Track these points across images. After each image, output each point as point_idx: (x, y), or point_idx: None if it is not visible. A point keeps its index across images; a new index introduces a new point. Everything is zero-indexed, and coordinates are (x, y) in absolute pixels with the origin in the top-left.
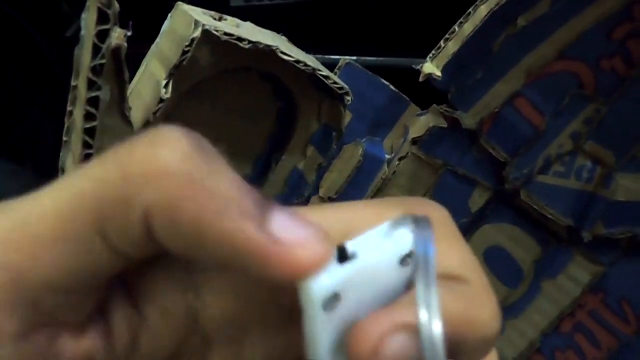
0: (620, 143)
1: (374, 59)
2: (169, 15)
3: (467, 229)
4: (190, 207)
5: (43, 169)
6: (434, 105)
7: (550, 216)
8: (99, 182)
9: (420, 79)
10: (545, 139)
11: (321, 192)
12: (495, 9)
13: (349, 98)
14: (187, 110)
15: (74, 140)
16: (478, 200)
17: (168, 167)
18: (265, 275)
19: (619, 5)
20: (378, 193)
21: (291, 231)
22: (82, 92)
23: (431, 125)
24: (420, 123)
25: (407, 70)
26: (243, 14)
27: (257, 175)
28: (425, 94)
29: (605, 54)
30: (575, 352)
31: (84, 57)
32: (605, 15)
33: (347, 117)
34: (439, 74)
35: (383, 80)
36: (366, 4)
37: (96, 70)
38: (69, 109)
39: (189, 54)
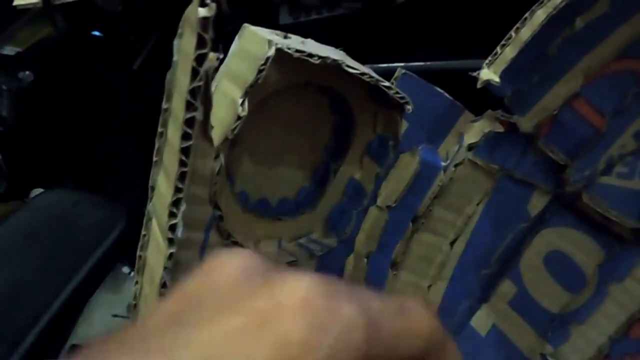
0: None
1: (421, 63)
2: (237, 36)
3: (526, 234)
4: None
5: (122, 191)
6: (489, 110)
7: (614, 218)
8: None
9: (478, 86)
10: (606, 139)
11: (379, 201)
12: (554, 12)
13: (409, 107)
14: (253, 126)
15: (167, 159)
16: (537, 203)
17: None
18: None
19: None
20: (435, 200)
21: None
22: (179, 113)
23: (486, 130)
24: (474, 129)
25: (453, 73)
26: (291, 30)
27: (316, 186)
28: (474, 96)
29: None
30: None
31: (180, 79)
32: None
33: (403, 125)
34: (497, 79)
35: (438, 88)
36: (408, 13)
37: (194, 92)
38: (159, 130)
39: (264, 72)
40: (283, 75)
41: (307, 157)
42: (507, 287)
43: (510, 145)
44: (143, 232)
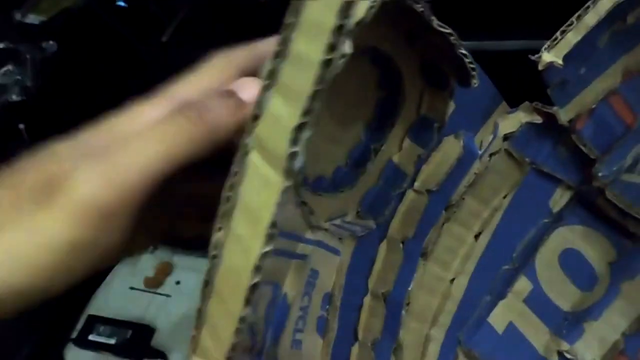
0: None
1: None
2: None
3: (546, 231)
4: None
5: None
6: (526, 102)
7: (636, 215)
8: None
9: (540, 68)
10: (635, 137)
11: (417, 185)
12: (621, 1)
13: (475, 82)
14: None
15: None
16: (559, 200)
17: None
18: None
19: None
20: (469, 189)
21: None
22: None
23: (524, 121)
24: (511, 119)
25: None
26: None
27: (352, 165)
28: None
29: None
30: None
31: None
32: None
33: (450, 107)
34: (560, 62)
35: (486, 76)
36: None
37: None
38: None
39: (373, 10)
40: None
41: (347, 133)
42: (523, 284)
43: (543, 138)
44: (235, 169)
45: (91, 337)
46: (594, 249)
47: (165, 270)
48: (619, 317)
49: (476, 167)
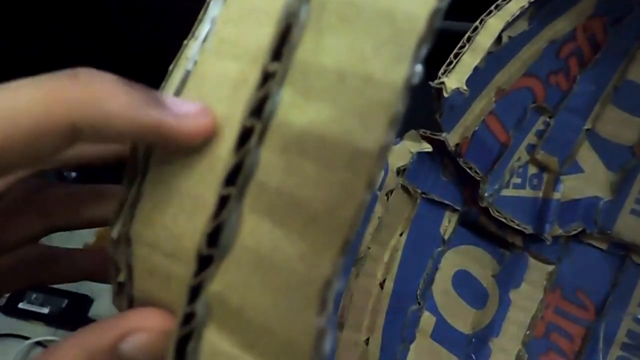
0: (563, 149)
1: None
2: None
3: (440, 259)
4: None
5: None
6: (412, 130)
7: (517, 226)
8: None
9: (445, 95)
10: (509, 154)
11: None
12: (510, 20)
13: None
14: None
15: None
16: (448, 225)
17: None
18: (176, 143)
19: (568, 26)
20: (375, 234)
21: (183, 107)
22: None
23: (414, 151)
24: (399, 151)
25: None
26: None
27: None
28: None
29: (553, 70)
30: (555, 352)
31: None
32: (557, 34)
33: None
34: (465, 88)
35: None
36: None
37: None
38: None
39: None
40: None
41: None
42: (427, 319)
43: (429, 166)
44: None
45: (21, 305)
46: (479, 265)
47: (106, 237)
48: (516, 327)
49: (378, 211)
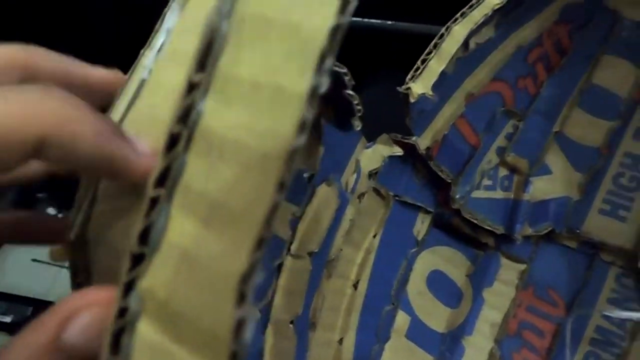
0: (533, 151)
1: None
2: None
3: (414, 260)
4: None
5: None
6: (384, 134)
7: (488, 227)
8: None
9: (412, 100)
10: (479, 156)
11: (294, 249)
12: (474, 27)
13: (358, 123)
14: None
15: None
16: (421, 227)
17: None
18: (129, 177)
19: (534, 32)
20: (347, 236)
21: (139, 146)
22: None
23: (386, 154)
24: (371, 155)
25: None
26: None
27: None
28: None
29: (521, 74)
30: (528, 349)
31: None
32: (524, 40)
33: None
34: (431, 93)
35: None
36: None
37: None
38: None
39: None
40: None
41: None
42: (401, 319)
43: (401, 169)
44: None
45: None
46: (453, 265)
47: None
48: (488, 325)
49: (350, 212)
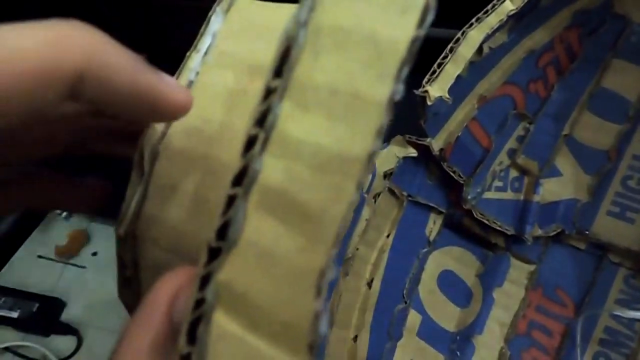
0: (543, 153)
1: None
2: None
3: (425, 259)
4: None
5: None
6: (398, 135)
7: (499, 228)
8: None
9: (429, 103)
10: (491, 158)
11: None
12: (490, 32)
13: None
14: None
15: None
16: (433, 226)
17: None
18: (168, 111)
19: (546, 37)
20: (363, 236)
21: (171, 80)
22: None
23: (401, 155)
24: (385, 156)
25: None
26: None
27: None
28: None
29: (532, 78)
30: (537, 348)
31: None
32: (536, 45)
33: None
34: (448, 96)
35: None
36: None
37: None
38: None
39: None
40: None
41: None
42: (413, 318)
43: (415, 169)
44: None
45: None
46: (463, 265)
47: (79, 240)
48: (498, 325)
49: (366, 212)
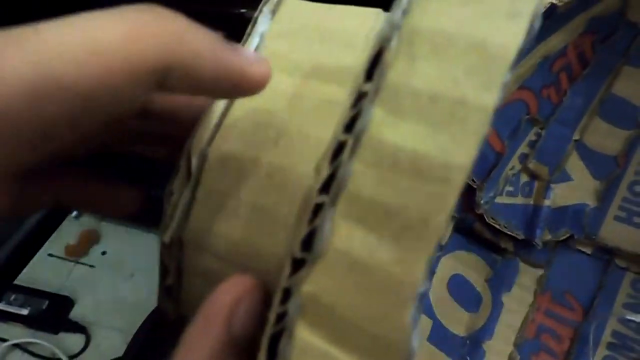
0: (553, 158)
1: None
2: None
3: (437, 264)
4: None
5: None
6: None
7: (510, 232)
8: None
9: None
10: (504, 162)
11: None
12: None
13: None
14: None
15: None
16: (445, 231)
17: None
18: (249, 87)
19: (561, 42)
20: None
21: (246, 51)
22: None
23: None
24: None
25: None
26: None
27: None
28: None
29: (546, 84)
30: (546, 352)
31: None
32: (551, 50)
33: None
34: None
35: None
36: None
37: None
38: None
39: None
40: None
41: None
42: (424, 323)
43: None
44: None
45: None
46: (472, 270)
47: (90, 239)
48: (507, 329)
49: None
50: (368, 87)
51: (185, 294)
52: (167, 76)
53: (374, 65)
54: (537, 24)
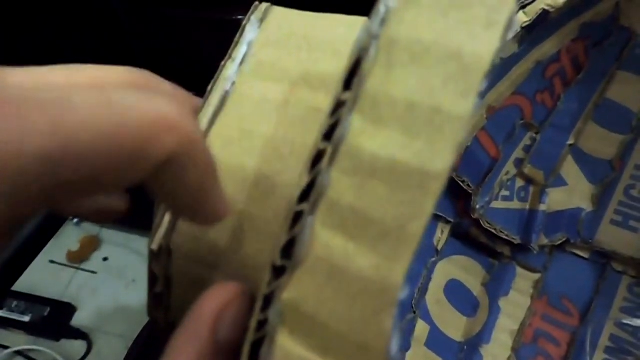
0: (548, 163)
1: None
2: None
3: (433, 269)
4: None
5: None
6: None
7: (506, 237)
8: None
9: None
10: (499, 167)
11: None
12: (510, 37)
13: None
14: None
15: None
16: (441, 236)
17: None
18: (207, 220)
19: (554, 48)
20: None
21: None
22: None
23: None
24: None
25: None
26: None
27: None
28: None
29: (540, 89)
30: (543, 357)
31: None
32: (544, 56)
33: None
34: None
35: None
36: None
37: None
38: None
39: None
40: None
41: None
42: (421, 328)
43: None
44: None
45: (1, 313)
46: (469, 274)
47: (91, 245)
48: (505, 334)
49: None
50: (347, 96)
51: (175, 301)
52: (161, 169)
53: (353, 74)
54: (511, 34)
